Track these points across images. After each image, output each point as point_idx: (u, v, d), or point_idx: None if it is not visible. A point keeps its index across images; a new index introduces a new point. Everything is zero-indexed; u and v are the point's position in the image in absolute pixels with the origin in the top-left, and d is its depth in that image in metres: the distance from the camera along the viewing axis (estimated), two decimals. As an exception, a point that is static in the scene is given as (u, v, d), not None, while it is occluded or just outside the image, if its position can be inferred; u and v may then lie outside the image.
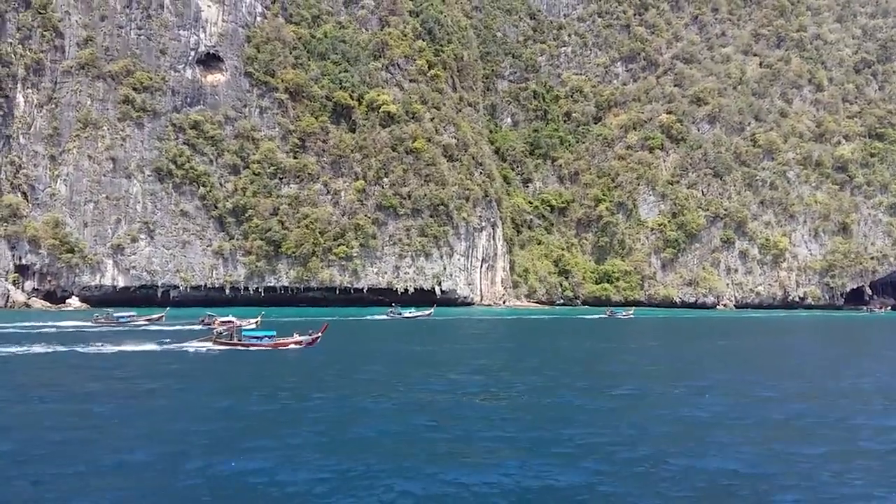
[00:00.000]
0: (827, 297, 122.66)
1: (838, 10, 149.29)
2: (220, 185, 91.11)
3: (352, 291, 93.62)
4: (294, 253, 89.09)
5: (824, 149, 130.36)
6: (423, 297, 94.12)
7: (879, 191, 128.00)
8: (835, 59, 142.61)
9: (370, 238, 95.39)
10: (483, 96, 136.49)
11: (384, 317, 72.64)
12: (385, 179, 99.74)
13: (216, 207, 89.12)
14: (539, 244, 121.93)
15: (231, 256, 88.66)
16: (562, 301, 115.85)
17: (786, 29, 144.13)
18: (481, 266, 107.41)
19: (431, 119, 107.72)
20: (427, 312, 77.75)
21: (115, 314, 57.15)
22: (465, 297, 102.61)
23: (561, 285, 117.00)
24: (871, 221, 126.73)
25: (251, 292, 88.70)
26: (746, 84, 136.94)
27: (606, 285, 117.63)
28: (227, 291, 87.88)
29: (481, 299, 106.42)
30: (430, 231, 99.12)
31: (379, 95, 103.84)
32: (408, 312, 76.05)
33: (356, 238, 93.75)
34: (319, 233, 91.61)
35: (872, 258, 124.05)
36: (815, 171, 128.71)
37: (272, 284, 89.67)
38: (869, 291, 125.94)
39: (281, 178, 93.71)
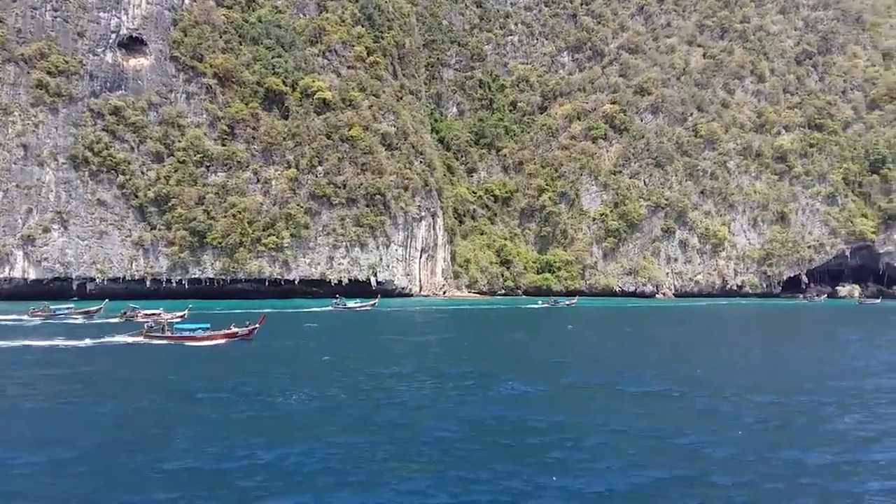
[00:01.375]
0: (764, 286, 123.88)
1: (781, 1, 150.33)
2: (142, 173, 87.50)
3: (282, 283, 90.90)
4: (220, 243, 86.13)
5: (764, 139, 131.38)
6: (357, 289, 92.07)
7: (817, 180, 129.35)
8: (777, 50, 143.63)
9: (302, 228, 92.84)
10: (428, 85, 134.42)
11: (329, 308, 70.73)
12: (319, 168, 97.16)
13: (136, 196, 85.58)
14: (482, 234, 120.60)
15: (153, 247, 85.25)
16: (503, 291, 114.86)
17: (730, 20, 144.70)
18: (420, 256, 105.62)
19: (369, 107, 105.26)
20: (372, 303, 76.97)
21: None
22: (402, 288, 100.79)
23: (502, 275, 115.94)
24: (809, 211, 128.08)
25: (174, 284, 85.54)
26: (690, 75, 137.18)
27: (548, 275, 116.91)
28: (149, 283, 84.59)
29: (420, 290, 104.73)
30: (366, 221, 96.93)
31: (314, 82, 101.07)
32: (353, 303, 74.84)
33: (287, 228, 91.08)
34: (248, 223, 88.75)
35: (809, 247, 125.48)
36: (755, 162, 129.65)
37: (197, 276, 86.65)
38: (805, 280, 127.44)
39: (208, 167, 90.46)
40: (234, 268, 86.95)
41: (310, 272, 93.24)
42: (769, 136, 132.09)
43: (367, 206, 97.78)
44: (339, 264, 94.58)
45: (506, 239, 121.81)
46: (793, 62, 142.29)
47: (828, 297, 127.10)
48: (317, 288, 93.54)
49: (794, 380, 25.06)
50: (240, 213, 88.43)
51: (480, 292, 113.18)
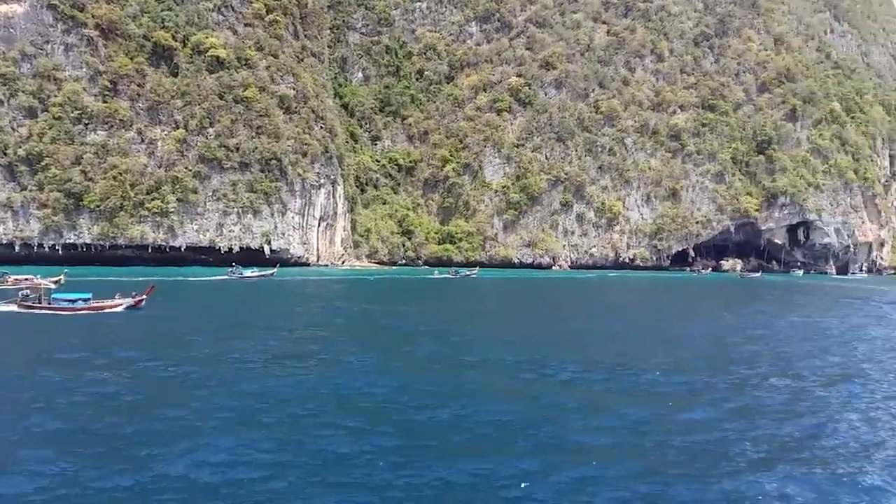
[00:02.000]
0: (654, 259, 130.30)
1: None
2: (13, 129, 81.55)
3: (167, 250, 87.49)
4: (98, 207, 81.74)
5: (660, 117, 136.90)
6: (250, 257, 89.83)
7: (708, 159, 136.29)
8: (677, 31, 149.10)
9: (190, 192, 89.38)
10: (332, 48, 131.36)
11: (224, 277, 68.42)
12: (210, 129, 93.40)
13: (5, 154, 79.83)
14: (384, 204, 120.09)
15: (23, 209, 79.99)
16: (403, 261, 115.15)
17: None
18: (319, 225, 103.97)
19: (267, 67, 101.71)
20: (270, 272, 75.12)
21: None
22: (299, 258, 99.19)
23: (403, 245, 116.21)
24: (699, 188, 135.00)
25: (47, 249, 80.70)
26: (594, 51, 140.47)
27: (449, 246, 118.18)
28: (18, 248, 79.44)
29: (318, 260, 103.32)
30: (260, 187, 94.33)
31: (207, 38, 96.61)
32: (249, 272, 72.87)
33: (174, 192, 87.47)
34: (130, 185, 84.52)
35: (697, 222, 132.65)
36: (651, 139, 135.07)
37: (72, 241, 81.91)
38: (692, 254, 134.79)
39: (87, 124, 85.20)
40: (113, 233, 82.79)
41: (198, 239, 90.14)
42: (665, 114, 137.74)
43: (262, 171, 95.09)
44: (229, 231, 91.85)
45: (408, 209, 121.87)
46: (691, 43, 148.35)
47: (712, 270, 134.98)
48: (205, 256, 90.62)
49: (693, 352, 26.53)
50: (121, 174, 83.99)
51: (381, 262, 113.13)
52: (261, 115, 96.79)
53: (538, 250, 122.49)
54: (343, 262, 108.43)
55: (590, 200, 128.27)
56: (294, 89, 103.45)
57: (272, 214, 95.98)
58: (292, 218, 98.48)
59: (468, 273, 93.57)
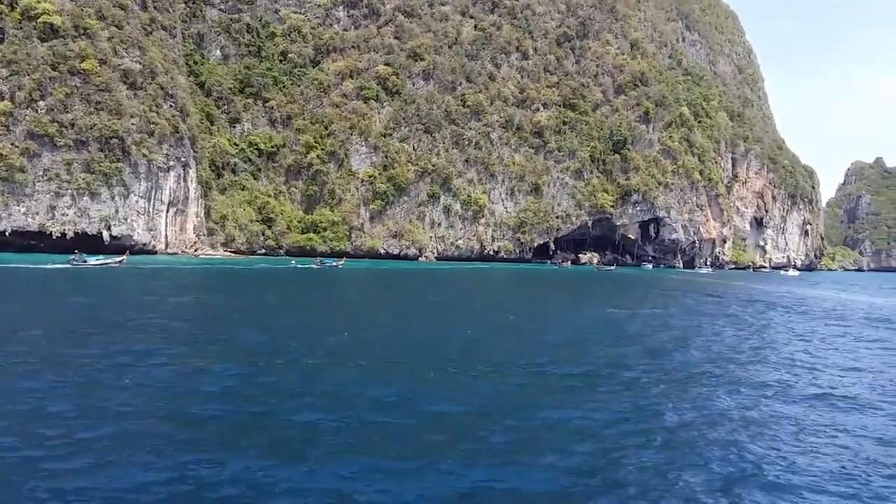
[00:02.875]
0: (518, 251, 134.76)
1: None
2: None
3: (-13, 234, 79.22)
4: None
5: (524, 114, 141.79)
6: (86, 243, 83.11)
7: (568, 156, 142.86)
8: (541, 30, 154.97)
9: (17, 171, 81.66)
10: (187, 23, 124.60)
11: (65, 265, 62.48)
12: (41, 103, 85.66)
13: None
14: (243, 190, 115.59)
15: None
16: (263, 251, 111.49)
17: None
18: (168, 210, 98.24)
19: (109, 38, 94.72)
20: (119, 259, 70.14)
21: None
22: (144, 245, 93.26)
23: (263, 234, 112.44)
24: (559, 184, 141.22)
25: None
26: (461, 45, 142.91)
27: (312, 235, 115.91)
28: None
29: (166, 247, 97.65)
30: (99, 168, 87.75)
31: (39, 3, 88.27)
32: (94, 260, 67.58)
33: (-5, 170, 79.12)
34: (-60, 161, 75.49)
35: (558, 217, 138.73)
36: (516, 135, 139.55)
37: None
38: (553, 247, 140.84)
39: None
40: (-81, 214, 73.83)
41: (25, 223, 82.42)
42: (529, 111, 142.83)
43: (101, 150, 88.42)
44: (62, 215, 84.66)
45: (269, 196, 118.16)
46: (554, 43, 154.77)
47: (571, 263, 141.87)
48: (35, 241, 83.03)
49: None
50: (-71, 148, 75.00)
51: (238, 251, 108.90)
52: (100, 90, 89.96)
53: (405, 241, 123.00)
54: (196, 251, 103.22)
55: (456, 193, 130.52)
56: (140, 63, 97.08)
57: (113, 198, 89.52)
58: (136, 202, 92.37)
59: (334, 264, 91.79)
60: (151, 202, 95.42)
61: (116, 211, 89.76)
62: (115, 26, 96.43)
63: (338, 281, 62.47)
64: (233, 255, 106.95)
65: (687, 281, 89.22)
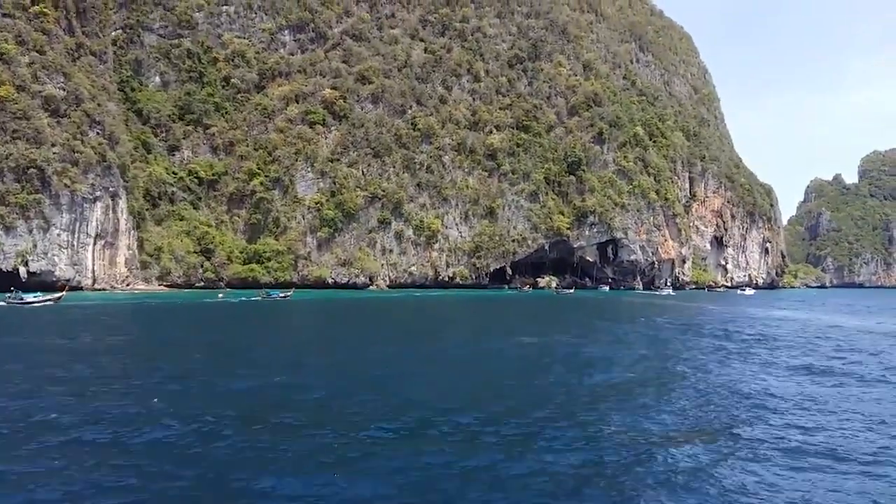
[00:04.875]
0: (474, 277, 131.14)
1: (498, 6, 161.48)
2: None
3: None
4: None
5: (477, 137, 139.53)
6: (2, 280, 77.56)
7: (522, 178, 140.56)
8: (492, 52, 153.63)
9: (-79, 205, 75.76)
10: (125, 49, 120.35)
11: (2, 303, 58.72)
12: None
13: None
14: (181, 220, 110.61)
15: None
16: (202, 283, 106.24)
17: (450, 18, 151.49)
18: (94, 243, 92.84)
19: (30, 64, 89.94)
20: (56, 297, 65.52)
21: None
22: (67, 280, 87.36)
23: (202, 266, 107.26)
24: (514, 207, 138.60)
25: None
26: (411, 68, 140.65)
27: (255, 266, 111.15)
28: None
29: (94, 283, 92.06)
30: (15, 199, 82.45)
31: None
32: (32, 297, 63.27)
33: None
34: None
35: (514, 241, 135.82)
36: (468, 158, 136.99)
37: None
38: (510, 271, 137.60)
39: None
40: None
41: (-72, 260, 76.64)
42: (482, 133, 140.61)
43: (18, 181, 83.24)
44: (-28, 251, 79.05)
45: (210, 226, 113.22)
46: (506, 65, 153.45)
47: (530, 287, 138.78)
48: (-60, 280, 77.25)
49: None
50: None
51: (174, 285, 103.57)
52: (18, 118, 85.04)
53: (354, 269, 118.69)
54: (128, 285, 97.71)
55: (408, 218, 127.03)
56: (64, 90, 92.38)
57: (31, 231, 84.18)
58: (58, 235, 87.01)
59: (282, 295, 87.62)
60: (76, 235, 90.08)
61: (35, 245, 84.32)
62: (37, 51, 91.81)
63: (270, 315, 58.00)
64: (167, 289, 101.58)
65: (630, 303, 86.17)
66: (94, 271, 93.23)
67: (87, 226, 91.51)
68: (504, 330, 45.52)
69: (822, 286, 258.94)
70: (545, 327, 47.43)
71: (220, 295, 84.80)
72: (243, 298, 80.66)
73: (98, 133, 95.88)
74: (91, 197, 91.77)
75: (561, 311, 69.99)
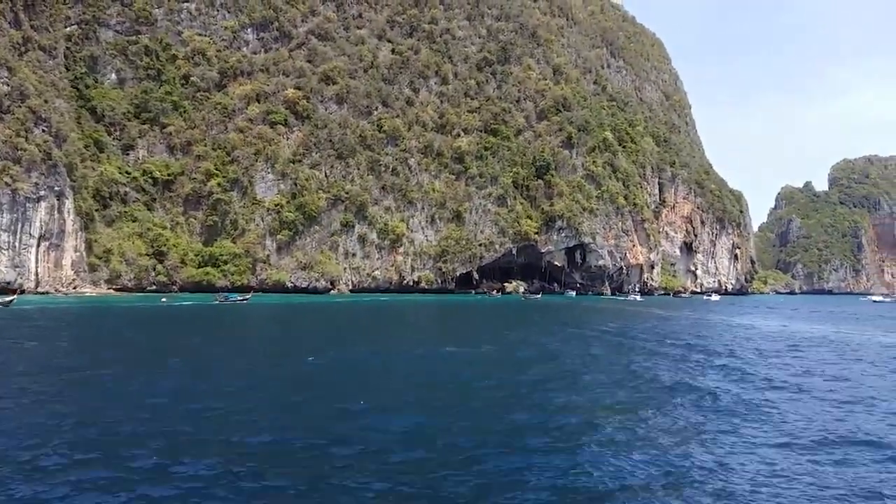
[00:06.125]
0: (440, 282, 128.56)
1: (468, 8, 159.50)
2: None
3: None
4: None
5: (444, 139, 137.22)
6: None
7: (490, 182, 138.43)
8: (461, 54, 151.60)
9: None
10: (80, 45, 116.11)
11: None
12: None
13: None
14: (134, 221, 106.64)
15: None
16: (154, 287, 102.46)
17: (419, 19, 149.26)
18: (38, 245, 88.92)
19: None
20: (9, 300, 63.19)
21: None
22: (8, 283, 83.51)
23: (154, 269, 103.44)
24: (482, 211, 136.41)
25: None
26: (378, 69, 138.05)
27: (211, 269, 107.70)
28: None
29: (37, 286, 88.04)
30: (-50, 198, 78.21)
31: None
32: None
33: None
34: None
35: (481, 245, 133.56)
36: (435, 161, 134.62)
37: None
38: (477, 276, 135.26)
39: None
40: None
41: None
42: (449, 136, 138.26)
43: (-47, 179, 79.22)
44: None
45: (164, 228, 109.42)
46: (474, 68, 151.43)
47: (498, 292, 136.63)
48: None
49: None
50: None
51: (125, 288, 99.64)
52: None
53: (315, 273, 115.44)
54: (74, 288, 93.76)
55: (372, 221, 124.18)
56: (8, 85, 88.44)
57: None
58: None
59: (240, 299, 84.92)
60: (17, 236, 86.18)
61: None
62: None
63: (214, 322, 54.92)
64: (116, 292, 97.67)
65: (593, 308, 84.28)
66: (37, 274, 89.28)
67: (29, 226, 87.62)
68: (439, 337, 43.19)
69: (792, 292, 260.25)
70: (483, 335, 45.07)
71: (163, 299, 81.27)
72: (188, 303, 77.16)
73: (44, 130, 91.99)
74: (34, 196, 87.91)
75: (512, 317, 67.70)
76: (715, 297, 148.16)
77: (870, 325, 64.13)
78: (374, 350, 34.47)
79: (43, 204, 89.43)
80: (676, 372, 26.92)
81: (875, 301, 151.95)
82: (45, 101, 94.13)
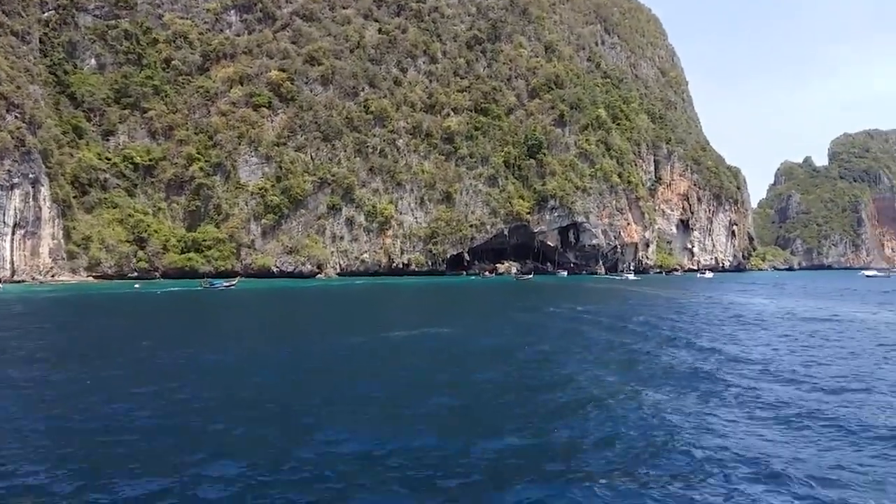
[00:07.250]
0: (430, 264, 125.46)
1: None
2: None
3: None
4: None
5: (433, 120, 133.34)
6: None
7: (480, 162, 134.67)
8: (450, 33, 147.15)
9: None
10: (58, 30, 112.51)
11: None
12: None
13: None
14: (114, 207, 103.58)
15: None
16: (135, 274, 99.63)
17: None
18: (13, 233, 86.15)
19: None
20: None
21: None
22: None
23: (135, 255, 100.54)
24: (473, 191, 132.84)
25: None
26: (364, 49, 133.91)
27: (194, 255, 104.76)
28: None
29: (12, 274, 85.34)
30: (-84, 186, 75.29)
31: None
32: None
33: None
34: None
35: (472, 226, 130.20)
36: (424, 142, 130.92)
37: None
38: (468, 257, 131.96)
39: None
40: None
41: None
42: (438, 116, 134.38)
43: (-80, 167, 76.26)
44: None
45: (146, 213, 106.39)
46: (464, 47, 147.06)
47: (491, 273, 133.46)
48: None
49: None
50: None
51: (104, 276, 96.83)
52: (-80, 99, 77.94)
53: (301, 257, 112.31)
54: (52, 277, 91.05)
55: (360, 203, 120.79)
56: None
57: (-64, 221, 77.32)
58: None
59: (226, 285, 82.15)
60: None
61: (-59, 235, 77.59)
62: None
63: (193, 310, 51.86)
64: (96, 280, 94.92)
65: (576, 287, 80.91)
66: (13, 262, 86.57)
67: (3, 214, 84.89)
68: (404, 320, 40.04)
69: (791, 268, 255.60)
70: (446, 318, 41.88)
71: (136, 285, 78.40)
72: (163, 290, 74.02)
73: (17, 117, 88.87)
74: (7, 184, 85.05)
75: (481, 299, 64.48)
76: (708, 275, 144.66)
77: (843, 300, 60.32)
78: (334, 336, 31.33)
79: (17, 191, 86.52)
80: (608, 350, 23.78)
81: (868, 276, 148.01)
82: (18, 88, 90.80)
